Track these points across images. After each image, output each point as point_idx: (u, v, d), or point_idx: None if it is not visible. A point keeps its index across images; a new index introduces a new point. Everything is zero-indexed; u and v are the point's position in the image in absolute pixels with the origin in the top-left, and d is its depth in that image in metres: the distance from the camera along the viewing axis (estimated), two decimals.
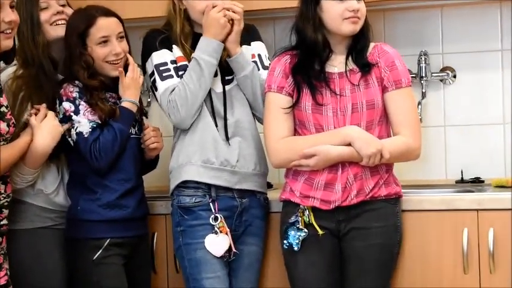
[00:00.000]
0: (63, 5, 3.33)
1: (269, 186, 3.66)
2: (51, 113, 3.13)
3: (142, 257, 3.35)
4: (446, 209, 3.24)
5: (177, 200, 3.30)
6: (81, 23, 3.23)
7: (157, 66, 3.29)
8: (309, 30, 3.13)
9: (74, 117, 3.17)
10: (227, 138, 3.28)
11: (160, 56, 3.30)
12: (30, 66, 3.20)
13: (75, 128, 3.18)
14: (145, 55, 3.33)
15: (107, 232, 3.20)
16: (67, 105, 3.19)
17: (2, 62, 3.11)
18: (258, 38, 3.44)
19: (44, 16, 3.27)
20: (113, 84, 3.28)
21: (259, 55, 3.39)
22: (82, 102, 3.20)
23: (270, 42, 3.88)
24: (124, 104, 3.24)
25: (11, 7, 2.91)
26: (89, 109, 3.20)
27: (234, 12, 3.24)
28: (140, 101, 3.35)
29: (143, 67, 3.35)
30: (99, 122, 3.20)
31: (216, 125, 3.28)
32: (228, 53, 3.28)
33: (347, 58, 3.16)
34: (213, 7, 3.24)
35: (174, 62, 3.30)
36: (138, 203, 3.28)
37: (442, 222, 3.24)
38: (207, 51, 3.24)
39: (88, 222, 3.20)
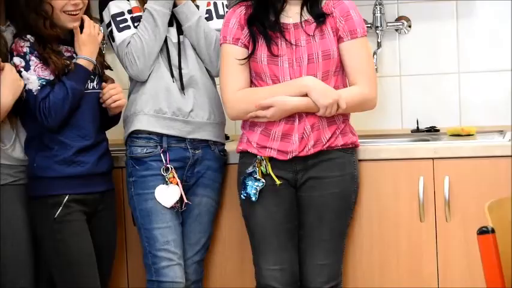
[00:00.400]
0: None
1: (226, 138, 3.64)
2: (8, 66, 3.06)
3: (106, 213, 3.29)
4: (402, 158, 3.26)
5: (129, 150, 3.31)
6: None
7: (114, 17, 3.27)
8: None
9: (24, 73, 3.09)
10: (182, 88, 3.27)
11: (117, 6, 3.28)
12: None
13: (24, 85, 3.11)
14: (102, 4, 3.31)
15: (65, 189, 3.16)
16: (17, 61, 3.12)
17: None
18: None
19: None
20: (69, 37, 3.21)
21: (215, 3, 3.37)
22: (33, 58, 3.13)
23: None
24: (79, 61, 3.17)
25: None
26: (39, 64, 3.13)
27: None
28: (102, 54, 3.30)
29: (101, 16, 3.32)
30: (50, 80, 3.13)
31: (172, 75, 3.27)
32: (175, 2, 3.27)
33: (302, 8, 3.14)
34: None
35: (131, 11, 3.28)
36: (99, 158, 3.23)
37: (398, 171, 3.26)
38: (158, 2, 3.23)
39: (45, 179, 3.16)
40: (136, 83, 3.32)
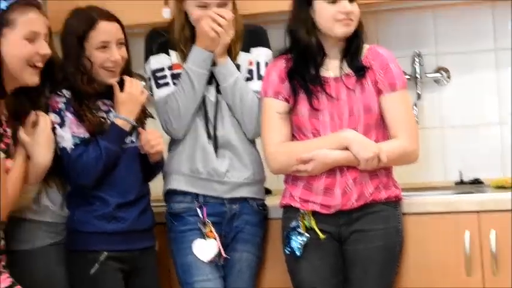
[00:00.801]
0: None
1: (268, 192, 3.64)
2: (43, 119, 3.00)
3: (146, 270, 3.24)
4: (446, 211, 3.23)
5: (168, 206, 3.32)
6: (81, 25, 3.11)
7: (154, 72, 3.30)
8: (302, 32, 3.12)
9: (58, 130, 3.06)
10: (216, 149, 3.26)
11: (157, 61, 3.30)
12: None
13: (59, 143, 3.09)
14: (145, 55, 3.33)
15: (103, 245, 3.12)
16: (53, 117, 3.09)
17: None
18: (262, 43, 3.36)
19: None
20: (106, 91, 3.18)
21: (257, 63, 3.33)
22: (68, 114, 3.11)
23: None
24: (116, 120, 3.14)
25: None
26: (75, 121, 3.11)
27: (219, 25, 3.19)
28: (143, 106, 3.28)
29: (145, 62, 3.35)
30: (85, 138, 3.11)
31: (209, 134, 3.27)
32: (215, 61, 3.26)
33: (341, 62, 3.15)
34: (204, 16, 3.21)
35: (171, 67, 3.29)
36: (139, 214, 3.19)
37: (443, 224, 3.23)
38: (196, 62, 3.23)
39: (84, 234, 3.13)
40: (174, 140, 3.33)
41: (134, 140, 3.22)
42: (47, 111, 3.08)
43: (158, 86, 3.29)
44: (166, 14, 3.67)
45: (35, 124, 2.96)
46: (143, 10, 3.75)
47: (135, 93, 3.17)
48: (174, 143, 3.34)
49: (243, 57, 3.31)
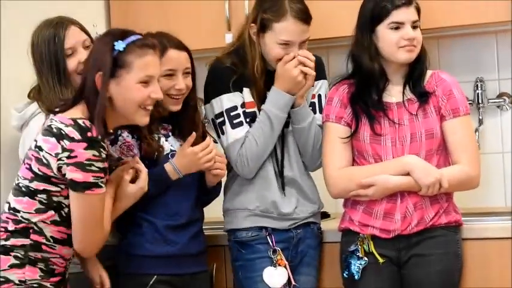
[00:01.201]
0: (87, 46, 3.17)
1: (327, 216, 3.67)
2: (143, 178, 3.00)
3: None
4: (506, 237, 3.21)
5: (233, 235, 3.31)
6: None
7: (228, 111, 3.25)
8: (365, 58, 3.14)
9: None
10: (283, 186, 3.28)
11: (230, 100, 3.25)
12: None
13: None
14: (214, 90, 3.28)
15: (153, 268, 3.11)
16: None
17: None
18: (323, 76, 3.38)
19: (70, 64, 3.14)
20: (168, 116, 3.21)
21: (319, 96, 3.34)
22: (124, 134, 3.11)
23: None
24: (167, 165, 3.12)
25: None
26: (127, 143, 3.12)
27: (307, 66, 3.19)
28: (202, 122, 3.29)
29: (206, 96, 3.31)
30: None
31: (276, 172, 3.28)
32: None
33: (404, 87, 3.17)
34: (288, 58, 3.19)
35: (243, 105, 3.25)
36: (191, 238, 3.19)
37: (503, 250, 3.21)
38: (277, 105, 3.21)
39: (134, 257, 3.12)
40: (236, 176, 3.32)
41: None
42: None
43: (233, 126, 3.24)
44: (228, 39, 3.67)
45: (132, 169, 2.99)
46: (205, 34, 3.81)
47: (202, 159, 3.14)
48: (236, 178, 3.32)
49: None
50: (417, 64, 3.16)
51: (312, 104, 3.32)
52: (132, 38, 2.82)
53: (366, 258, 3.12)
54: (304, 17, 3.19)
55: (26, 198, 2.77)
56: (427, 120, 3.13)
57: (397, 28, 3.10)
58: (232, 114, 3.25)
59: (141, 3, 4.02)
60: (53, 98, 3.10)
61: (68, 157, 2.69)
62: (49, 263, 2.80)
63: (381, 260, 3.12)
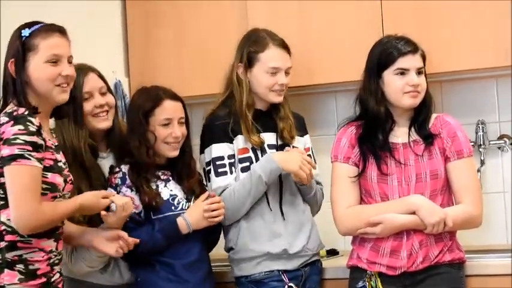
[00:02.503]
0: (104, 93, 3.32)
1: (335, 253, 3.76)
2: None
3: None
4: (508, 274, 3.26)
5: (245, 276, 3.38)
6: (147, 102, 3.28)
7: (214, 160, 3.36)
8: (372, 102, 3.23)
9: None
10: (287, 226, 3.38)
11: (219, 149, 3.36)
12: (69, 155, 3.12)
13: None
14: (206, 141, 3.40)
15: None
16: (112, 191, 3.19)
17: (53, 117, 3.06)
18: (307, 131, 3.56)
19: (87, 107, 3.27)
20: (166, 163, 3.32)
21: (311, 149, 3.51)
22: (124, 189, 3.23)
23: (332, 115, 4.05)
24: (179, 220, 3.24)
25: (69, 62, 2.93)
26: (130, 194, 3.21)
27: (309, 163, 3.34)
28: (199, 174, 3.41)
29: (201, 146, 3.42)
30: (138, 219, 3.21)
31: (271, 209, 3.37)
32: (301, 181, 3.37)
33: (410, 129, 3.26)
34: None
35: (231, 156, 3.36)
36: (203, 278, 3.27)
37: (505, 286, 3.25)
38: (263, 168, 3.31)
39: None
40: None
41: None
42: (104, 186, 3.22)
43: (217, 174, 3.35)
44: None
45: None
46: (201, 81, 3.94)
47: (214, 218, 3.26)
48: (238, 221, 3.38)
49: (300, 141, 3.46)
50: (422, 108, 3.25)
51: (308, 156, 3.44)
52: (38, 25, 2.92)
53: None
54: (285, 45, 3.42)
55: None
56: (432, 161, 3.21)
57: (402, 74, 3.19)
58: (218, 163, 3.36)
59: (156, 2, 4.12)
60: (67, 135, 3.21)
61: (0, 140, 2.77)
62: (28, 263, 2.79)
63: None
